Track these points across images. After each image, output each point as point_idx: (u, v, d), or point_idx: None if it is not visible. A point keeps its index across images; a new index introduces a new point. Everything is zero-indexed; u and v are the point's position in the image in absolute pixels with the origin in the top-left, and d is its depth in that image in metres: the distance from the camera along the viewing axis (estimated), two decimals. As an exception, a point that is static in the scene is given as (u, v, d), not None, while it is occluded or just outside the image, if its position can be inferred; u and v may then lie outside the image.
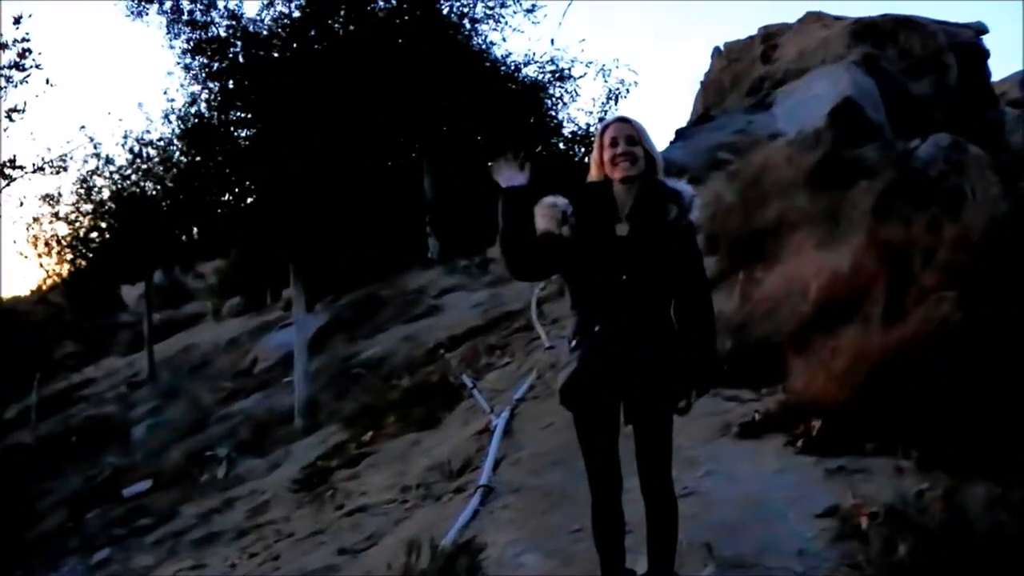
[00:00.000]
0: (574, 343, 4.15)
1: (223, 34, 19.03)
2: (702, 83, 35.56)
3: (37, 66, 21.88)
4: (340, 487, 10.35)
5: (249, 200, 19.29)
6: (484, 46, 27.57)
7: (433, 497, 8.24)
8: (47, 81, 33.16)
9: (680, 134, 27.91)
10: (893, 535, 4.57)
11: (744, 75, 32.34)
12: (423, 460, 9.64)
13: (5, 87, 21.65)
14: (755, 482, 5.92)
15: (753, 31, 34.49)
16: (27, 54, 21.61)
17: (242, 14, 19.51)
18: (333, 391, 17.31)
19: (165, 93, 23.74)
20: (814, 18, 32.04)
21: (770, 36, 32.91)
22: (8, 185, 22.81)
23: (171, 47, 19.23)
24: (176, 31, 19.11)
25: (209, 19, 19.06)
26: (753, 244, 10.87)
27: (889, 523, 4.71)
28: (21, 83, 21.77)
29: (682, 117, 55.87)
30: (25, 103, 23.54)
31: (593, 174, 4.23)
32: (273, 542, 9.41)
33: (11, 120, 21.75)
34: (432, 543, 5.52)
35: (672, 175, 4.50)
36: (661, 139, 28.87)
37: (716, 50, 35.61)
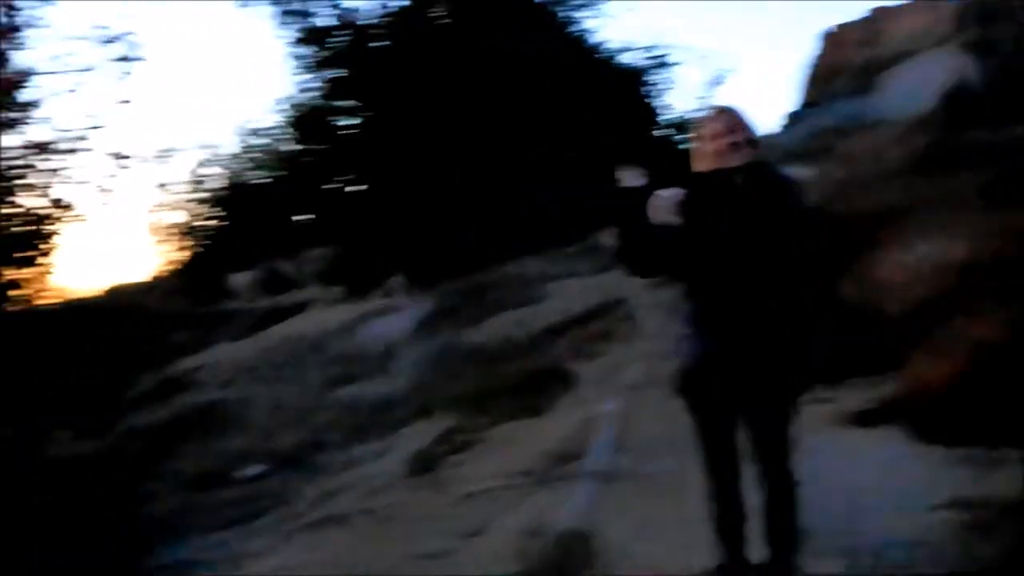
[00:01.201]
0: (686, 333, 4.16)
1: (330, 24, 19.34)
2: (808, 68, 35.04)
3: (145, 58, 22.42)
4: (451, 473, 10.45)
5: (357, 187, 19.56)
6: (581, 33, 27.39)
7: (545, 483, 8.29)
8: (155, 73, 33.87)
9: (786, 119, 27.59)
10: (1020, 529, 4.50)
11: (851, 59, 31.74)
12: (534, 446, 9.69)
13: (118, 79, 22.23)
14: (872, 472, 5.86)
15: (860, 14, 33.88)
16: (133, 47, 22.14)
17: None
18: (441, 377, 17.44)
19: (276, 83, 24.20)
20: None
21: (877, 19, 32.23)
22: (120, 176, 23.40)
23: (281, 37, 19.65)
24: (285, 21, 19.47)
25: (316, 10, 19.39)
26: (862, 230, 10.72)
27: (1015, 517, 4.63)
28: (128, 75, 22.33)
29: (786, 103, 55.12)
30: (134, 95, 24.09)
31: (697, 166, 4.21)
32: (386, 526, 9.54)
33: (120, 111, 22.30)
34: (546, 530, 5.57)
35: (778, 161, 4.47)
36: (765, 126, 28.48)
37: (823, 34, 35.09)
